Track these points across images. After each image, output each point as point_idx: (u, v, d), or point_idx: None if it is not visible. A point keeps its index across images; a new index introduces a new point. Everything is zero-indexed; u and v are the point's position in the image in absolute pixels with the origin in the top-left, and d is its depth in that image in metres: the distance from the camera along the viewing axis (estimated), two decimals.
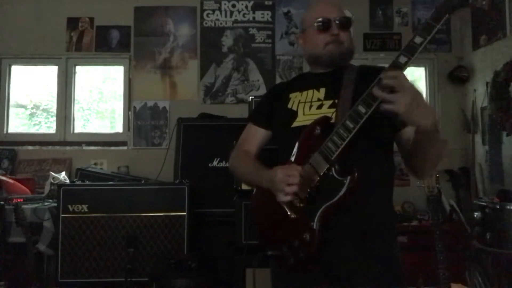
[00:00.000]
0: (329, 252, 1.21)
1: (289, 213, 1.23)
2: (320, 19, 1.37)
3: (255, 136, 1.50)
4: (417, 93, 1.07)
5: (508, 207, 2.37)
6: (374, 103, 1.13)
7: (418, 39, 1.13)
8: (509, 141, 2.97)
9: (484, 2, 3.09)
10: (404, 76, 1.09)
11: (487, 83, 3.15)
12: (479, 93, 3.35)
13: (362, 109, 1.15)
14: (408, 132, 1.25)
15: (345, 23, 1.38)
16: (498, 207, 2.41)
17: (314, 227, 1.17)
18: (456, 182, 3.43)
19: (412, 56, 1.12)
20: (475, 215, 2.51)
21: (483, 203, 2.51)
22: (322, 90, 1.37)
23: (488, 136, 3.18)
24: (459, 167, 3.48)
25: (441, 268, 2.15)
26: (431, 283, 2.23)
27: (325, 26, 1.36)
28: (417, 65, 3.75)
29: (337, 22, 1.36)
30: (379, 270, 1.23)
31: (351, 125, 1.16)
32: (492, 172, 3.14)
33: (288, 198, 1.19)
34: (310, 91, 1.39)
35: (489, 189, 3.14)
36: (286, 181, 1.17)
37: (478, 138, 3.36)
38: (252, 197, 1.44)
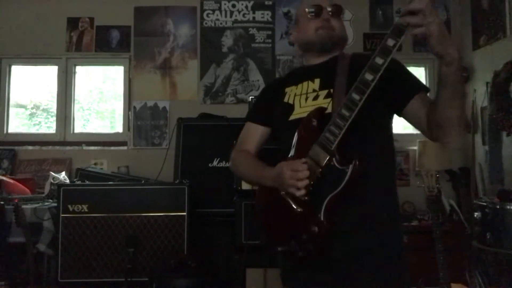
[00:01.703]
0: (336, 244, 1.21)
1: (295, 208, 1.23)
2: (312, 8, 1.40)
3: (254, 134, 1.50)
4: (442, 22, 1.07)
5: (508, 207, 2.37)
6: (367, 89, 1.14)
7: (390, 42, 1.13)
8: (509, 141, 2.97)
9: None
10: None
11: (487, 83, 3.14)
12: (479, 93, 3.35)
13: (356, 96, 1.16)
14: (415, 103, 1.26)
15: (337, 11, 1.41)
16: (498, 207, 2.41)
17: (322, 218, 1.17)
18: (456, 182, 3.42)
19: (387, 57, 1.13)
20: (475, 215, 2.51)
21: (483, 203, 2.50)
22: (317, 81, 1.38)
23: (488, 136, 3.18)
24: (459, 167, 3.48)
25: (441, 268, 2.14)
26: (431, 283, 2.22)
27: (317, 12, 1.39)
28: (417, 65, 3.75)
29: (329, 9, 1.39)
30: (383, 261, 1.24)
31: (347, 114, 1.16)
32: (492, 172, 3.14)
33: (303, 192, 1.18)
34: (305, 83, 1.40)
35: (489, 189, 3.14)
36: (296, 176, 1.17)
37: (478, 138, 3.36)
38: (256, 196, 1.43)
